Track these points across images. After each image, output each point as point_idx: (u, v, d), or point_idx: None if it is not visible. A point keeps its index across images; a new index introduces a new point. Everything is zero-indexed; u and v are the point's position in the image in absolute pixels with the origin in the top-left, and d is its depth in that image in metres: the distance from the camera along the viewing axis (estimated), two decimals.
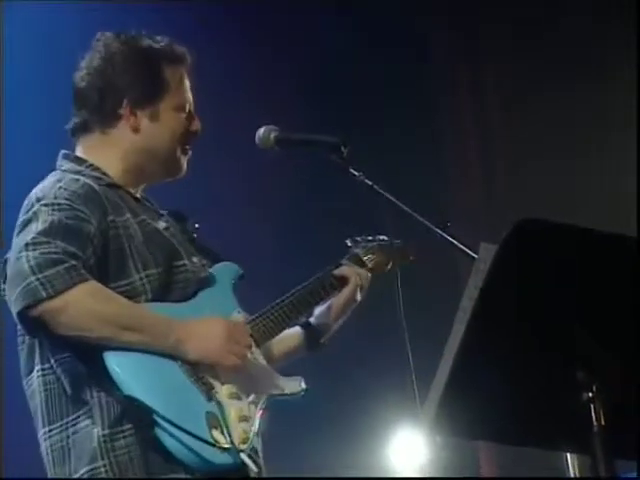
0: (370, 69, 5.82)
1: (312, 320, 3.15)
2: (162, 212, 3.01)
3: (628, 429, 2.02)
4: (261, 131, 3.07)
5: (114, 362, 2.65)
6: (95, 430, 2.66)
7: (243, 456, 2.64)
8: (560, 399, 2.00)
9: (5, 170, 4.85)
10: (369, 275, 3.21)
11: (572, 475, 3.72)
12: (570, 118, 5.70)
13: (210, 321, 2.78)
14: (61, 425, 2.73)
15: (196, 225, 3.06)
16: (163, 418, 2.59)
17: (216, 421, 2.65)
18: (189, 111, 2.99)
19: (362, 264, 3.22)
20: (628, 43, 5.45)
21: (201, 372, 2.71)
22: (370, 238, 3.29)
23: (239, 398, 2.73)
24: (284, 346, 3.13)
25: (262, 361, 2.87)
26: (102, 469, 2.65)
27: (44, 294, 2.58)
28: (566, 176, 5.62)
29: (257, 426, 2.73)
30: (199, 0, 5.40)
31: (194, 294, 2.86)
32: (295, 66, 5.72)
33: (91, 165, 2.90)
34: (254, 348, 2.86)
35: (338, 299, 3.14)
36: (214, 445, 2.61)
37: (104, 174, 2.88)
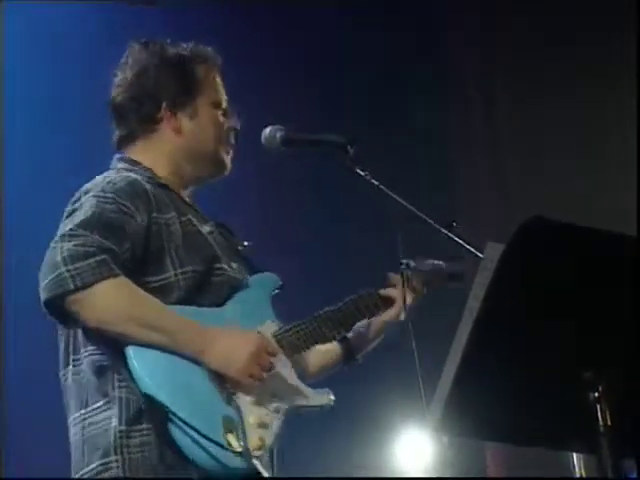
0: (378, 68, 5.82)
1: (350, 335, 3.13)
2: (208, 218, 3.03)
3: (634, 429, 2.02)
4: (267, 131, 3.07)
5: (134, 357, 2.67)
6: (113, 424, 2.68)
7: (256, 462, 2.63)
8: (566, 399, 2.00)
9: (5, 170, 4.85)
10: (415, 297, 3.18)
11: (578, 475, 3.71)
12: (579, 118, 5.70)
13: (236, 335, 2.76)
14: (81, 415, 2.76)
15: (245, 243, 3.10)
16: (176, 416, 2.60)
17: (232, 425, 2.64)
18: (225, 108, 3.05)
19: (411, 287, 3.16)
20: (628, 43, 5.45)
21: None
22: (426, 262, 3.23)
23: (260, 405, 2.74)
24: (321, 359, 3.13)
25: (290, 371, 2.86)
26: (114, 464, 2.67)
27: (72, 286, 2.61)
28: (574, 176, 5.61)
29: (275, 434, 2.73)
30: (209, 2, 5.40)
31: (229, 298, 2.88)
32: (302, 66, 5.71)
33: (144, 167, 2.96)
34: (283, 357, 2.86)
35: (379, 318, 3.12)
36: (226, 449, 2.61)
37: (155, 175, 2.94)
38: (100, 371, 2.73)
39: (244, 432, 2.65)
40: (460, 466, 4.90)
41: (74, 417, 2.78)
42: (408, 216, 2.84)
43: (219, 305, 2.86)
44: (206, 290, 2.83)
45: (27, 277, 4.62)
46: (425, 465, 5.32)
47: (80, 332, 2.77)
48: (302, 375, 2.98)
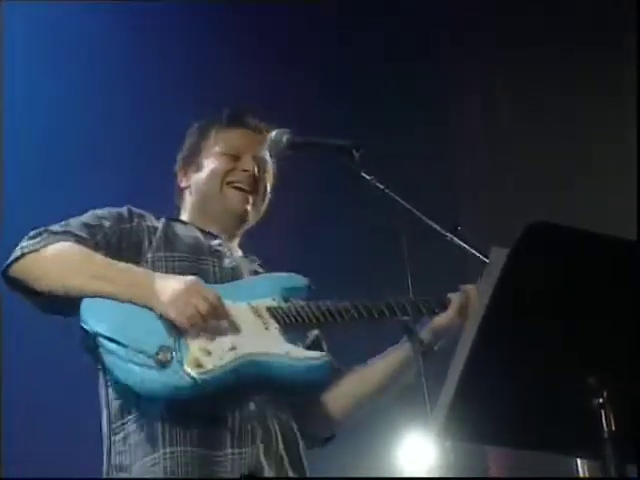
0: (377, 68, 5.82)
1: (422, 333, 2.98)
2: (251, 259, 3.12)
3: (639, 435, 2.02)
4: (273, 134, 3.08)
5: (85, 303, 2.72)
6: (105, 424, 2.76)
7: (187, 368, 2.58)
8: (570, 404, 2.00)
9: (5, 170, 4.86)
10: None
11: (582, 477, 3.71)
12: (580, 119, 5.70)
13: (172, 279, 2.76)
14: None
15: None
16: (111, 339, 2.62)
17: (167, 349, 2.62)
18: (236, 155, 3.13)
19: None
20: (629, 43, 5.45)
21: None
22: None
23: (214, 340, 2.70)
24: (389, 364, 3.02)
25: (273, 332, 2.79)
26: (105, 464, 2.72)
27: (19, 253, 2.78)
28: (575, 178, 5.62)
29: (230, 371, 2.64)
30: (211, 2, 5.40)
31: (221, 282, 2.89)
32: (302, 68, 5.72)
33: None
34: (271, 322, 2.81)
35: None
36: (147, 355, 2.59)
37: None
38: (82, 340, 2.76)
39: (179, 351, 2.62)
40: (462, 470, 4.91)
41: None
42: (413, 220, 2.84)
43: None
44: (187, 275, 2.82)
45: None
46: (428, 469, 5.33)
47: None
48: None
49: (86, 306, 2.72)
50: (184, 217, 3.16)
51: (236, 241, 3.17)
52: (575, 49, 5.74)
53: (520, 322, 1.93)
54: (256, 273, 3.07)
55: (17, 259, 2.77)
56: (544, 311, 1.93)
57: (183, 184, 3.17)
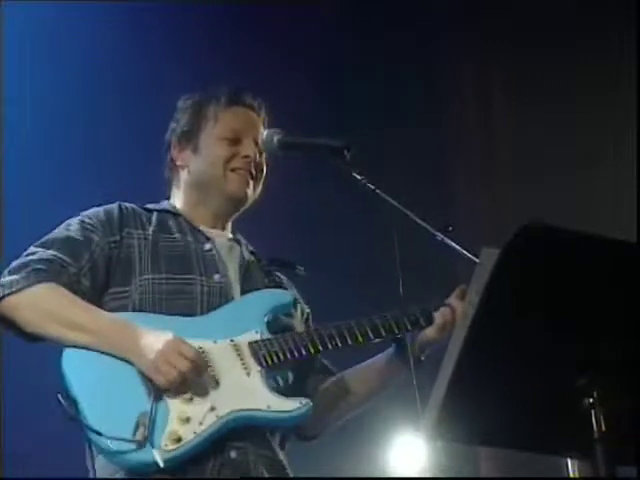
0: (373, 72, 5.81)
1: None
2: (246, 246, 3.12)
3: (629, 435, 2.02)
4: (264, 134, 3.08)
5: (65, 357, 2.74)
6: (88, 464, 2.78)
7: (154, 452, 2.58)
8: (561, 405, 2.00)
9: (5, 170, 4.85)
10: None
11: (572, 475, 3.71)
12: (578, 121, 5.70)
13: (152, 335, 2.73)
14: None
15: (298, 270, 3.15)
16: (84, 417, 2.62)
17: (146, 419, 2.62)
18: (237, 138, 3.10)
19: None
20: (629, 43, 5.46)
21: None
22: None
23: (192, 402, 2.69)
24: (363, 376, 3.06)
25: (255, 380, 2.78)
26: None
27: (1, 294, 2.77)
28: (572, 180, 5.61)
29: (211, 434, 2.65)
30: (210, 2, 5.39)
31: (208, 307, 2.87)
32: (300, 70, 5.71)
33: (167, 202, 3.14)
34: (253, 366, 2.80)
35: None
36: (124, 440, 2.59)
37: (171, 207, 3.11)
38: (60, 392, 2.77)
39: (157, 424, 2.62)
40: (454, 471, 4.90)
41: None
42: (404, 220, 2.84)
43: (197, 314, 2.86)
44: (174, 298, 2.84)
45: None
46: (419, 470, 5.32)
47: None
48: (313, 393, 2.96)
49: (66, 359, 2.74)
50: (177, 200, 3.13)
51: (229, 226, 3.15)
52: (575, 47, 5.74)
53: (510, 323, 1.93)
54: (248, 267, 3.04)
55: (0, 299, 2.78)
56: (535, 311, 1.93)
57: (179, 162, 3.13)
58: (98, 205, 3.04)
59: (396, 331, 2.92)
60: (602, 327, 1.96)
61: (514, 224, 1.85)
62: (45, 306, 2.77)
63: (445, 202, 5.68)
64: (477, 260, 1.96)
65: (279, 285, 3.08)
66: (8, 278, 2.79)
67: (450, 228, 2.83)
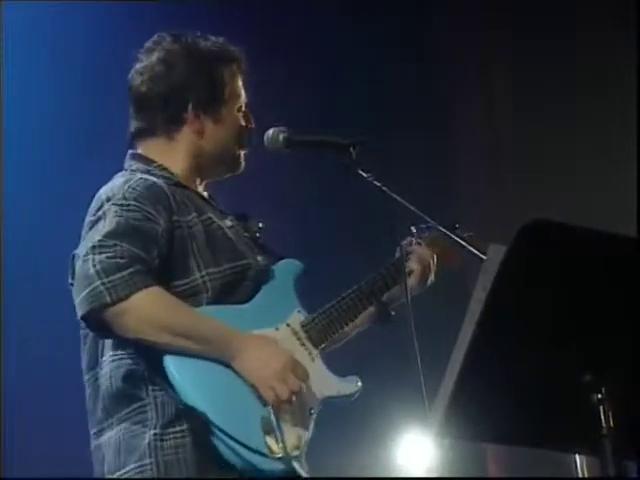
0: (377, 69, 5.81)
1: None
2: (226, 212, 3.06)
3: (637, 431, 2.01)
4: (270, 132, 3.08)
5: (173, 366, 2.70)
6: (148, 428, 2.72)
7: (295, 463, 2.66)
8: (569, 401, 2.00)
9: (5, 170, 4.85)
10: (434, 255, 3.19)
11: (581, 476, 3.71)
12: (580, 119, 5.70)
13: (266, 348, 2.76)
14: (117, 419, 2.78)
15: (260, 224, 3.09)
16: (219, 428, 2.62)
17: (270, 426, 2.66)
18: (245, 110, 3.07)
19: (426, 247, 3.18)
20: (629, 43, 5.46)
21: None
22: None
23: (292, 402, 2.74)
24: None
25: (319, 364, 2.89)
26: (148, 467, 2.70)
27: (108, 299, 2.64)
28: (575, 177, 5.61)
29: (311, 431, 2.75)
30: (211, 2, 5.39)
31: (256, 292, 2.90)
32: (302, 66, 5.71)
33: (159, 165, 2.96)
34: (312, 349, 2.89)
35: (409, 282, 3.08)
36: (266, 455, 2.64)
37: (171, 174, 2.95)
38: (131, 375, 2.75)
39: (282, 433, 2.67)
40: (461, 468, 4.90)
41: (108, 422, 2.79)
42: (411, 218, 2.84)
43: (247, 301, 2.88)
44: (235, 288, 2.86)
45: (26, 275, 4.62)
46: (426, 468, 5.32)
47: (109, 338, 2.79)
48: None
49: (176, 370, 2.70)
50: (175, 164, 2.98)
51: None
52: (576, 48, 5.74)
53: (518, 319, 1.93)
54: (236, 231, 3.01)
55: (107, 305, 2.64)
56: (542, 308, 1.93)
57: (195, 126, 2.97)
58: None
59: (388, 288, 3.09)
60: (610, 322, 1.96)
61: (518, 222, 1.85)
62: (153, 315, 2.70)
63: (449, 200, 5.68)
64: (484, 257, 1.96)
65: (262, 247, 3.07)
66: (107, 280, 2.64)
67: (457, 225, 2.84)
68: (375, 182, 2.89)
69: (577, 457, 3.73)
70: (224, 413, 2.66)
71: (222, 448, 2.64)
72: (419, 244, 3.18)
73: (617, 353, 1.97)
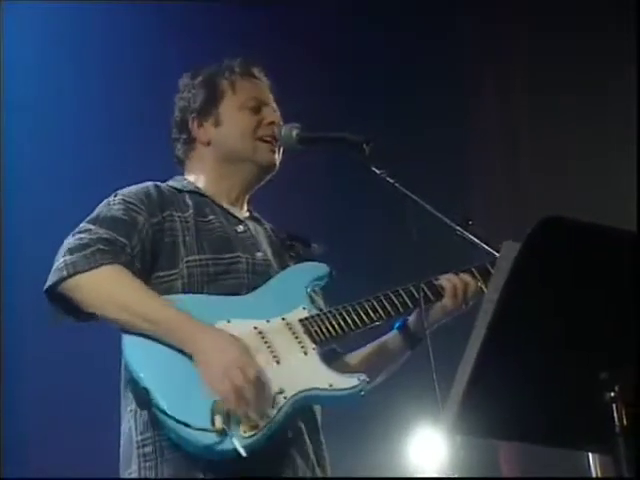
0: (392, 67, 5.81)
1: (409, 320, 3.07)
2: (264, 223, 3.11)
3: None
4: (283, 129, 3.08)
5: (127, 344, 2.73)
6: (133, 434, 2.75)
7: (234, 440, 2.58)
8: (582, 399, 1.99)
9: (5, 171, 4.87)
10: (478, 286, 3.02)
11: (594, 475, 3.70)
12: (595, 117, 5.70)
13: (223, 340, 2.72)
14: (123, 424, 2.83)
15: (313, 245, 3.15)
16: (158, 407, 2.61)
17: (221, 407, 2.62)
18: (255, 106, 3.10)
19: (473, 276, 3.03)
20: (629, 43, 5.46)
21: None
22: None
23: (261, 389, 2.69)
24: (373, 353, 3.11)
25: (312, 358, 2.81)
26: (134, 474, 2.73)
27: (65, 273, 2.74)
28: (588, 175, 5.61)
29: (280, 415, 2.68)
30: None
31: (258, 286, 2.90)
32: (317, 64, 5.71)
33: (187, 180, 3.09)
34: (308, 343, 2.82)
35: (437, 308, 3.02)
36: (207, 430, 2.58)
37: (194, 186, 3.05)
38: (127, 381, 2.77)
39: (237, 415, 2.62)
40: (474, 466, 4.90)
41: (121, 428, 2.84)
42: (424, 214, 2.84)
43: (237, 293, 2.87)
44: (220, 279, 2.85)
45: (25, 275, 4.61)
46: (439, 465, 5.32)
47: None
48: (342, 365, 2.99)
49: (128, 347, 2.73)
50: (199, 178, 3.08)
51: (246, 202, 3.14)
52: (575, 48, 5.76)
53: (532, 317, 1.92)
54: (275, 243, 3.06)
55: (64, 278, 2.74)
56: (556, 305, 1.93)
57: (200, 138, 3.10)
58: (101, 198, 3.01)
59: (410, 306, 2.96)
60: (624, 320, 1.95)
61: (532, 219, 1.85)
62: (109, 290, 2.75)
63: (464, 197, 5.68)
64: (497, 254, 1.95)
65: (305, 259, 3.09)
66: (69, 257, 2.75)
67: (470, 222, 2.83)
68: (388, 178, 2.89)
69: (590, 456, 3.72)
70: (170, 393, 2.64)
71: (167, 430, 2.63)
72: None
73: (631, 351, 1.97)
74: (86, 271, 2.73)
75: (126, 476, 2.74)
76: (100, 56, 5.17)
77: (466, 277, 3.01)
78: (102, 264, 2.74)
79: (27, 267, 4.65)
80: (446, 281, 2.99)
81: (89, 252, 2.75)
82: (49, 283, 2.76)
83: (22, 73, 5.04)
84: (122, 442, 2.81)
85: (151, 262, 2.85)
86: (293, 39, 5.64)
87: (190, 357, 2.70)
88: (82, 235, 2.79)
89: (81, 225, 2.84)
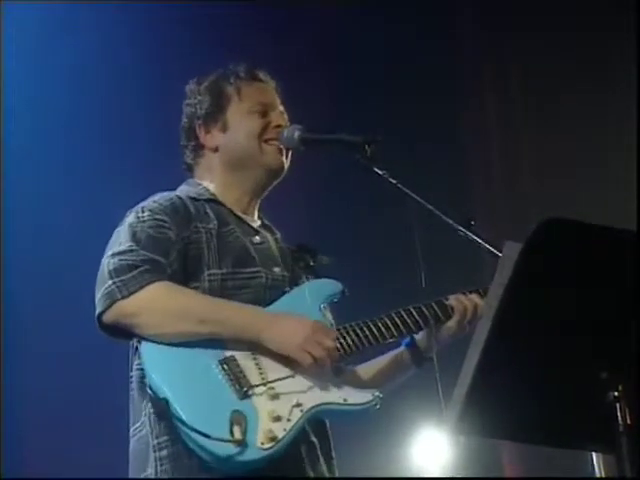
0: (393, 68, 5.81)
1: (418, 337, 3.05)
2: (275, 232, 3.11)
3: None
4: (285, 130, 3.08)
5: (145, 354, 2.73)
6: (150, 439, 2.75)
7: (265, 446, 2.62)
8: (585, 398, 1.99)
9: (5, 171, 4.87)
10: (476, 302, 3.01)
11: (597, 475, 3.70)
12: (594, 117, 5.70)
13: (297, 318, 2.80)
14: (134, 429, 2.83)
15: (323, 258, 3.14)
16: (177, 417, 2.62)
17: (241, 419, 2.64)
18: (264, 110, 3.10)
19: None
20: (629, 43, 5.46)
21: (243, 371, 2.74)
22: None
23: (278, 399, 2.72)
24: (380, 366, 3.11)
25: (327, 372, 2.82)
26: (151, 477, 2.73)
27: (119, 295, 2.72)
28: (588, 175, 5.61)
29: (296, 428, 2.70)
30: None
31: (273, 301, 2.90)
32: (318, 65, 5.72)
33: (203, 187, 3.08)
34: None
35: (445, 328, 3.00)
36: (225, 440, 2.60)
37: (210, 193, 3.05)
38: (141, 386, 2.78)
39: (254, 424, 2.63)
40: (477, 466, 4.90)
41: (132, 429, 2.84)
42: (426, 215, 2.84)
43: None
44: (238, 293, 2.86)
45: (26, 275, 4.60)
46: (442, 465, 5.32)
47: (133, 349, 2.84)
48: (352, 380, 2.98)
49: (148, 357, 2.73)
50: (210, 184, 3.08)
51: (257, 208, 3.14)
52: (575, 48, 5.76)
53: (534, 316, 1.93)
54: (282, 252, 3.05)
55: (109, 306, 2.73)
56: (558, 305, 1.93)
57: (208, 144, 3.10)
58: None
59: (423, 326, 2.97)
60: (626, 320, 1.95)
61: (533, 219, 1.85)
62: (167, 306, 2.76)
63: (464, 198, 5.68)
64: (500, 254, 1.96)
65: (313, 272, 3.09)
66: (118, 279, 2.74)
67: (472, 222, 2.83)
68: (390, 179, 2.89)
69: (594, 456, 3.71)
70: (190, 403, 2.65)
71: (189, 442, 2.64)
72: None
73: (634, 350, 1.97)
74: (138, 290, 2.72)
75: (142, 477, 2.75)
76: (100, 56, 5.17)
77: (475, 298, 3.01)
78: (152, 281, 2.74)
79: (27, 266, 4.67)
80: (456, 302, 3.00)
81: (137, 273, 2.74)
82: (103, 307, 2.74)
83: (22, 73, 5.03)
84: (134, 443, 2.81)
85: (184, 276, 2.85)
86: (293, 39, 5.64)
87: (209, 365, 2.72)
88: (123, 256, 2.78)
89: (118, 246, 2.82)
